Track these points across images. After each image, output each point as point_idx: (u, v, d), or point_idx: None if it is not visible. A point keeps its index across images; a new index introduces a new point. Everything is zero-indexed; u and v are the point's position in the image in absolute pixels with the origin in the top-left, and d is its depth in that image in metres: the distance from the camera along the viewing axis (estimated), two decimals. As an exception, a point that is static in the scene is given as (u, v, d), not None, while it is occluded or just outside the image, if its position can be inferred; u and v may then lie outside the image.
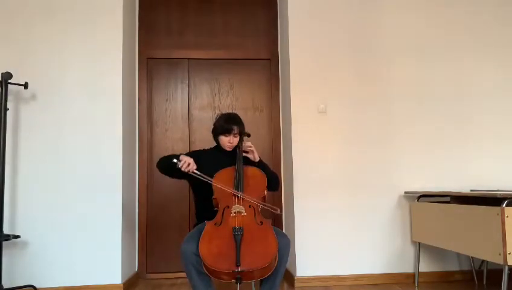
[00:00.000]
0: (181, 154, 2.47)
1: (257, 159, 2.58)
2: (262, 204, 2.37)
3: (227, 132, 2.52)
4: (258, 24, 3.97)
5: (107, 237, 3.11)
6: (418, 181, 3.40)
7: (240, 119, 2.59)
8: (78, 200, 3.11)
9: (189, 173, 2.34)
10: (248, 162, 2.57)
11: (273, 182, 2.57)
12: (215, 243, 2.16)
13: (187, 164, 2.33)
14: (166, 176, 2.55)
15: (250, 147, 2.56)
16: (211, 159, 2.55)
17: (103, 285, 3.07)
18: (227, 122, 2.52)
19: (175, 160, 2.36)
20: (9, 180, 3.07)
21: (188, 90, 3.88)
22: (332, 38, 3.48)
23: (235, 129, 2.52)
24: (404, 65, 3.50)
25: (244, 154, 2.56)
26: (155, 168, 3.70)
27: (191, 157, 2.41)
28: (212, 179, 2.34)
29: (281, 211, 2.53)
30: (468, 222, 2.57)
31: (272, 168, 2.70)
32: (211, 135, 2.66)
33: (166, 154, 3.82)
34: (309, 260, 3.28)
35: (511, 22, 3.61)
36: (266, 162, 2.67)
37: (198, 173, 2.35)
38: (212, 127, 2.62)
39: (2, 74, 2.85)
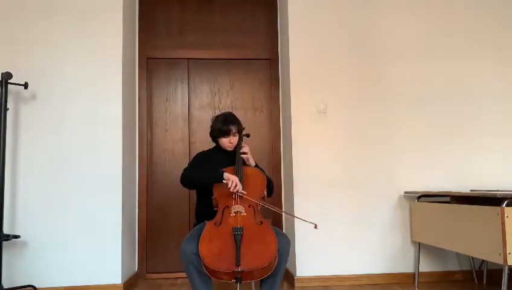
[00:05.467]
0: (191, 163, 2.53)
1: (253, 165, 2.58)
2: (299, 218, 2.37)
3: (226, 133, 2.52)
4: (258, 24, 3.97)
5: (107, 237, 3.11)
6: (418, 181, 3.40)
7: (236, 117, 2.59)
8: (78, 200, 3.11)
9: (238, 193, 2.31)
10: (244, 164, 2.57)
11: (269, 188, 2.56)
12: (215, 243, 2.16)
13: (235, 184, 2.30)
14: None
15: (246, 153, 2.56)
16: (212, 160, 2.55)
17: (103, 285, 3.07)
18: (224, 124, 2.52)
19: (224, 181, 2.32)
20: (9, 180, 3.07)
21: (188, 90, 3.88)
22: (332, 38, 3.48)
23: (234, 129, 2.52)
24: (404, 65, 3.50)
25: (242, 155, 2.55)
26: (155, 169, 3.75)
27: (199, 164, 2.44)
28: (257, 198, 2.34)
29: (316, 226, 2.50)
30: (468, 222, 2.57)
31: (269, 171, 2.69)
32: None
33: (167, 155, 3.89)
34: (309, 260, 3.28)
35: (510, 21, 3.61)
36: (262, 167, 2.67)
37: (245, 193, 2.33)
38: (210, 129, 2.62)
39: (2, 74, 2.85)
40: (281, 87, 3.85)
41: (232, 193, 2.33)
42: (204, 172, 2.44)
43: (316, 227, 2.35)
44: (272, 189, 2.61)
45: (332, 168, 3.37)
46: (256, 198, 2.36)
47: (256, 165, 2.62)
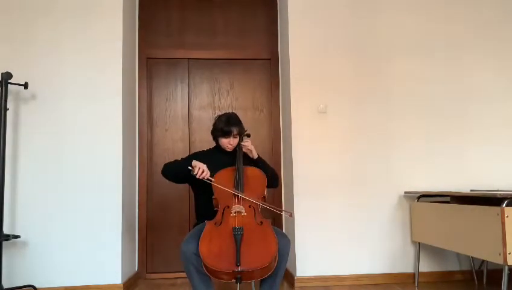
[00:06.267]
0: (185, 158, 2.52)
1: (256, 157, 2.58)
2: (273, 208, 2.39)
3: (227, 134, 2.52)
4: (258, 24, 3.97)
5: (107, 237, 3.11)
6: (418, 181, 3.40)
7: (239, 119, 2.59)
8: (78, 200, 3.11)
9: (204, 179, 2.33)
10: (247, 158, 2.57)
11: (273, 180, 2.58)
12: (215, 243, 2.16)
13: (201, 170, 2.33)
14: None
15: (248, 146, 2.57)
16: (211, 160, 2.54)
17: (103, 285, 3.07)
18: (226, 125, 2.52)
19: (190, 167, 2.35)
20: (9, 180, 3.07)
21: (188, 90, 3.88)
22: (332, 38, 3.48)
23: (235, 130, 2.52)
24: (405, 64, 3.50)
25: (243, 147, 2.57)
26: (155, 168, 3.75)
27: (195, 160, 2.42)
28: (230, 189, 2.33)
29: (292, 215, 2.67)
30: (468, 222, 2.57)
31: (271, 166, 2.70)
32: (211, 135, 2.67)
33: (167, 155, 3.89)
34: (309, 260, 3.28)
35: (511, 19, 3.61)
36: (265, 159, 2.68)
37: (212, 179, 2.35)
38: (212, 128, 2.63)
39: (2, 74, 2.85)
40: (281, 87, 3.85)
41: (232, 194, 2.33)
42: (178, 164, 2.49)
43: (291, 215, 2.38)
44: (277, 180, 2.64)
45: (332, 168, 3.37)
46: (253, 197, 2.35)
47: (259, 158, 2.61)
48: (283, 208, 3.74)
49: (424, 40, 3.53)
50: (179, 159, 2.62)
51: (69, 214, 3.10)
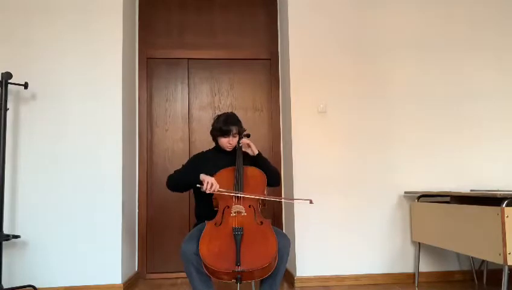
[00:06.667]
0: (186, 164, 2.54)
1: (256, 153, 2.58)
2: (288, 199, 2.37)
3: (226, 133, 2.52)
4: (258, 24, 3.97)
5: (107, 237, 3.11)
6: (418, 181, 3.40)
7: (238, 118, 2.59)
8: (78, 200, 3.11)
9: (215, 192, 2.32)
10: (247, 156, 2.57)
11: (274, 178, 2.58)
12: (215, 243, 2.17)
13: (210, 185, 2.31)
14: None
15: (247, 142, 2.58)
16: (211, 160, 2.55)
17: (103, 285, 3.07)
18: (225, 124, 2.52)
19: (198, 185, 2.33)
20: (9, 180, 3.07)
21: (188, 90, 3.88)
22: (332, 38, 3.48)
23: (234, 130, 2.52)
24: (405, 65, 3.50)
25: (242, 144, 2.57)
26: (155, 168, 3.76)
27: (194, 165, 2.45)
28: (238, 192, 2.33)
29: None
30: (468, 222, 2.57)
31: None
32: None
33: (167, 155, 3.89)
34: (309, 260, 3.28)
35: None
36: (265, 157, 2.67)
37: (223, 190, 2.33)
38: (211, 128, 2.63)
39: (2, 74, 2.85)
40: (281, 87, 3.85)
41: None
42: (184, 177, 2.48)
43: (311, 202, 2.36)
44: (278, 179, 2.63)
45: (332, 168, 3.37)
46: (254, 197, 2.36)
47: (260, 154, 2.61)
48: (283, 209, 3.75)
49: (424, 40, 3.53)
50: (180, 168, 2.60)
51: (69, 214, 3.10)
